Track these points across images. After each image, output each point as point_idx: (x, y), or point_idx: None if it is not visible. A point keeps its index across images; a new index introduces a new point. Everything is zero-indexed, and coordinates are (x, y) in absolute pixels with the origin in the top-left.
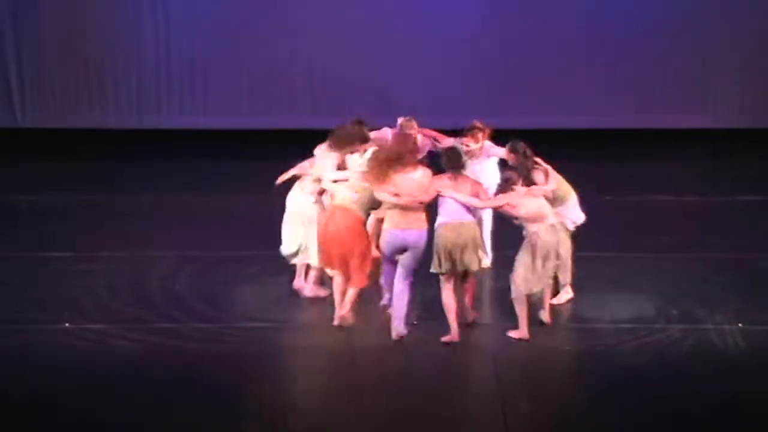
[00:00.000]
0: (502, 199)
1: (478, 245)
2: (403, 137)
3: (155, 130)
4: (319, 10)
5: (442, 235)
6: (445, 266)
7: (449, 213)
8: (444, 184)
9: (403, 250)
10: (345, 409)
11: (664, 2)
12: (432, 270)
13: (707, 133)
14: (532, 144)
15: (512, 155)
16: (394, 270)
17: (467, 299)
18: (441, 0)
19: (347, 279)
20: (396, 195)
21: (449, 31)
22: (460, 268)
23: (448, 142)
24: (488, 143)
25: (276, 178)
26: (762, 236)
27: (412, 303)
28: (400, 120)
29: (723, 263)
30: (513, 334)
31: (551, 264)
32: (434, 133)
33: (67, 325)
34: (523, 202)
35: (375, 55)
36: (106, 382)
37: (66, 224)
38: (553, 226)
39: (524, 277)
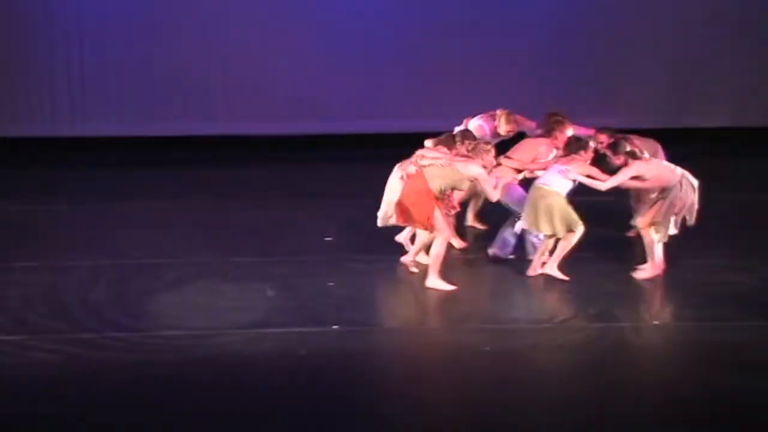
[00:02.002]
0: (625, 174)
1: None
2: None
3: (69, 138)
4: (238, 12)
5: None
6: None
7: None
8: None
9: None
10: (257, 418)
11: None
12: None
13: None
14: None
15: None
16: None
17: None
18: (364, 2)
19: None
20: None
21: (371, 35)
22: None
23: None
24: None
25: (196, 185)
26: (676, 235)
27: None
28: (498, 111)
29: (639, 262)
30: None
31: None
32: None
33: None
34: (645, 169)
35: (293, 58)
36: (22, 393)
37: None
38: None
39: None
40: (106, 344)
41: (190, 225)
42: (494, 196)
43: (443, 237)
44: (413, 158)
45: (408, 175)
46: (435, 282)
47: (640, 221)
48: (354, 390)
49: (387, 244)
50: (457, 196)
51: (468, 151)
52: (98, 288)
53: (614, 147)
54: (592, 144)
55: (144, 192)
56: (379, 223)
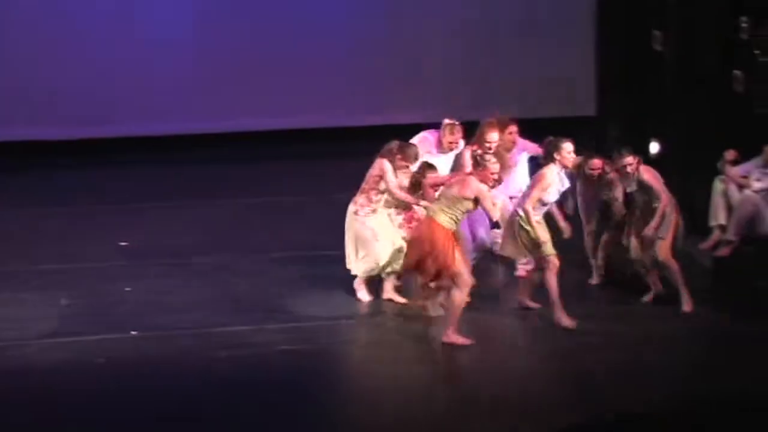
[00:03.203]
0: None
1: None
2: None
3: None
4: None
5: None
6: None
7: None
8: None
9: None
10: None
11: None
12: None
13: None
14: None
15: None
16: None
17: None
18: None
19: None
20: None
21: (166, 34)
22: None
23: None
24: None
25: None
26: None
27: None
28: (446, 121)
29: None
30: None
31: None
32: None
33: None
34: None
35: (76, 60)
36: None
37: None
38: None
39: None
40: None
41: None
42: (495, 214)
43: (463, 284)
44: (364, 192)
45: (418, 225)
46: (452, 337)
47: (659, 251)
48: (153, 396)
49: (186, 249)
50: None
51: (474, 166)
52: None
53: (621, 153)
54: (565, 145)
55: None
56: (348, 265)
